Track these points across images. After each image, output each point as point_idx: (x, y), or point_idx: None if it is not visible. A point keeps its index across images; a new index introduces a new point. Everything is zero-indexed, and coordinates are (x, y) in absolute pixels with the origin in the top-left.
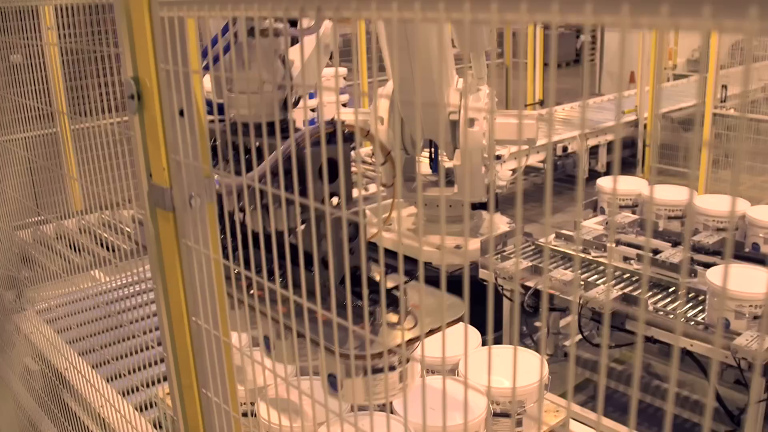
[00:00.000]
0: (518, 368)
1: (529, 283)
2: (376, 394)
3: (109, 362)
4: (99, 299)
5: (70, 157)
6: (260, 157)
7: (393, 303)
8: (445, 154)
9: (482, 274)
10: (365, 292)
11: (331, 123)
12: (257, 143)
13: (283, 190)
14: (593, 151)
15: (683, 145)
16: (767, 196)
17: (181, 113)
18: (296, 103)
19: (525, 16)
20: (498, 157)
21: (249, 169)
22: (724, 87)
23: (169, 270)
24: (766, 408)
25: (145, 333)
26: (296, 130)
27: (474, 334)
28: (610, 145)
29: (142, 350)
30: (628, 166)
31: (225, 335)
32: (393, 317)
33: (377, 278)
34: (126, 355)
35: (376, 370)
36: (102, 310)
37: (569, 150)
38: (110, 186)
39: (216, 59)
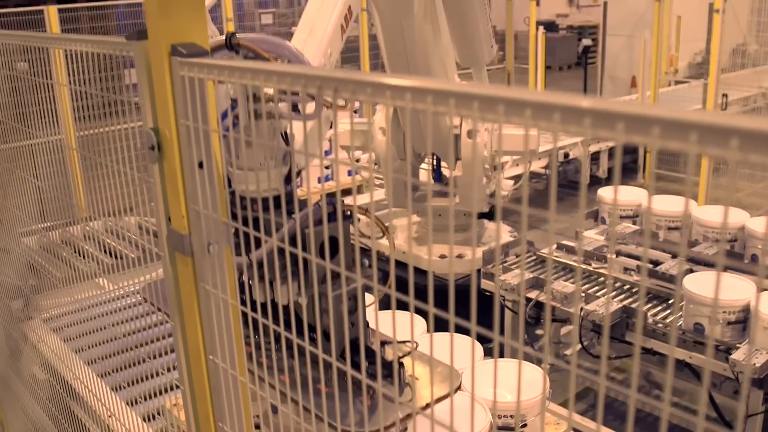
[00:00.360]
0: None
1: (530, 295)
2: None
3: (117, 371)
4: (106, 307)
5: (76, 165)
6: (266, 229)
7: (391, 374)
8: (446, 164)
9: (484, 284)
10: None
11: (331, 203)
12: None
13: (288, 267)
14: (594, 156)
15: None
16: (766, 204)
17: (200, 165)
18: (298, 175)
19: (529, 122)
20: (496, 168)
21: (257, 241)
22: (725, 95)
23: (187, 310)
24: (764, 419)
25: (152, 341)
26: (302, 203)
27: (477, 346)
28: (611, 151)
29: (148, 359)
30: (629, 171)
31: (242, 375)
32: (391, 389)
33: (376, 347)
34: (134, 364)
35: None
36: (109, 318)
37: (570, 156)
38: (116, 192)
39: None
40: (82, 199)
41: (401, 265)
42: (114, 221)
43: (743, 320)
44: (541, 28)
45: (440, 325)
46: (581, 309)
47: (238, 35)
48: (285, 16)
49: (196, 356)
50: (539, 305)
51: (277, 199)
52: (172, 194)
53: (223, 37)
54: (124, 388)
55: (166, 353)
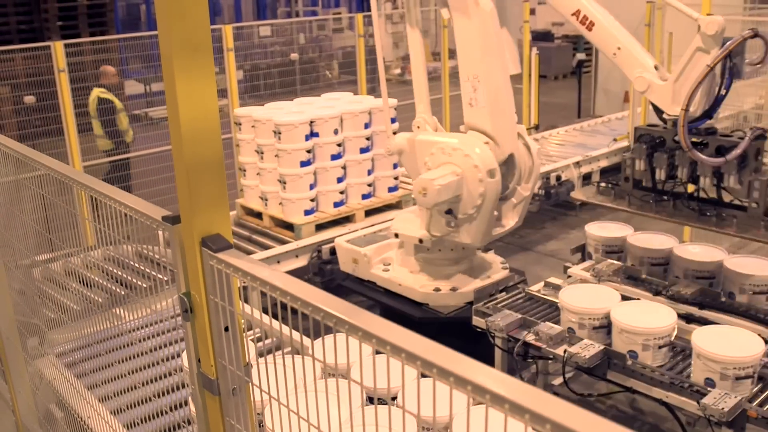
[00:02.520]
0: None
1: (518, 336)
2: None
3: (130, 408)
4: (119, 341)
5: (82, 195)
6: None
7: None
8: None
9: (475, 321)
10: None
11: None
12: None
13: None
14: (586, 176)
15: None
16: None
17: (226, 329)
18: None
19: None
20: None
21: None
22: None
23: None
24: None
25: (165, 376)
26: None
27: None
28: (602, 172)
29: (162, 395)
30: (621, 190)
31: None
32: None
33: None
34: (148, 400)
35: None
36: (123, 352)
37: (563, 178)
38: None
39: None
40: (88, 227)
41: (396, 297)
42: (114, 250)
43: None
44: (534, 49)
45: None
46: (564, 351)
47: None
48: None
49: None
50: (526, 343)
51: None
52: (202, 347)
53: None
54: (138, 425)
55: (177, 389)
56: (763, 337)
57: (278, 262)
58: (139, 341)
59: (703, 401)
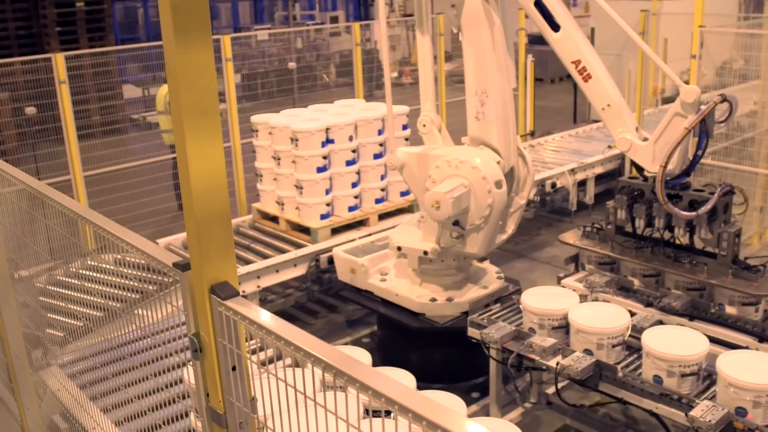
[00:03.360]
0: None
1: (512, 348)
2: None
3: (135, 418)
4: (122, 351)
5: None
6: None
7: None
8: None
9: (470, 332)
10: None
11: None
12: None
13: None
14: (581, 183)
15: None
16: None
17: (233, 368)
18: None
19: None
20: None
21: None
22: None
23: None
24: None
25: (168, 387)
26: None
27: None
28: (597, 178)
29: (167, 404)
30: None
31: None
32: None
33: None
34: (152, 410)
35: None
36: (127, 362)
37: (558, 185)
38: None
39: None
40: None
41: (393, 306)
42: (94, 258)
43: (697, 372)
44: (530, 56)
45: (427, 378)
46: (557, 364)
47: None
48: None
49: None
50: (520, 354)
51: None
52: (211, 384)
53: None
54: None
55: (178, 399)
56: (749, 347)
57: (277, 271)
58: (141, 352)
59: (691, 413)
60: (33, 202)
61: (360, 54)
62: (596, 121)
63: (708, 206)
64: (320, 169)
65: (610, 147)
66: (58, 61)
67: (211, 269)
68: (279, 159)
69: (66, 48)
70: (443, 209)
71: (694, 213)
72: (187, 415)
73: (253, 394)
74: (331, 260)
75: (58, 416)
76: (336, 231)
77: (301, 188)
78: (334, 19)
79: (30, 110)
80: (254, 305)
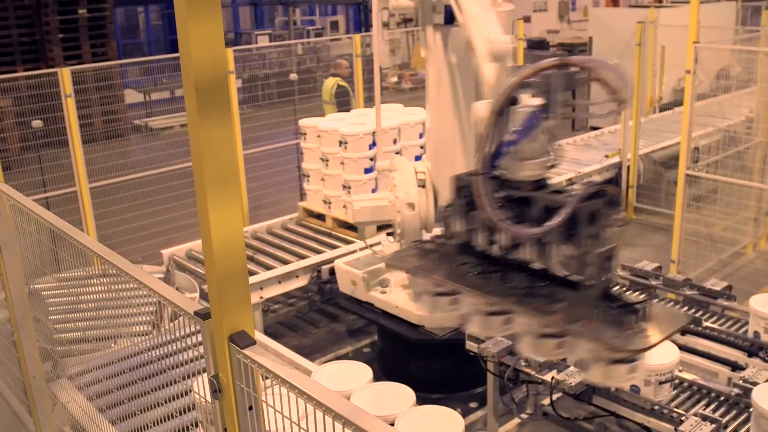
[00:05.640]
0: None
1: (509, 362)
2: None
3: (142, 430)
4: (130, 362)
5: (89, 215)
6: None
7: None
8: None
9: (468, 345)
10: None
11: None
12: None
13: None
14: None
15: (664, 187)
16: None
17: (250, 408)
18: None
19: None
20: None
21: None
22: (696, 149)
23: None
24: None
25: (175, 398)
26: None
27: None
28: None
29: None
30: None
31: None
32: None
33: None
34: (160, 421)
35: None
36: (135, 374)
37: None
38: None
39: None
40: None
41: (393, 318)
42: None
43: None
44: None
45: (427, 388)
46: (552, 378)
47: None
48: (281, 37)
49: None
50: (517, 368)
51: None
52: (229, 422)
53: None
54: None
55: (186, 411)
56: (739, 364)
57: (279, 282)
58: (149, 363)
59: (680, 429)
60: (52, 236)
61: (361, 64)
62: (594, 129)
63: (559, 219)
64: (367, 170)
65: (607, 156)
66: (65, 75)
67: (230, 319)
68: (327, 160)
69: (69, 55)
70: (349, 214)
71: (536, 230)
72: (195, 425)
73: (267, 428)
74: (332, 272)
75: (68, 428)
76: (380, 228)
77: (349, 188)
78: (334, 24)
79: (37, 123)
80: (270, 354)
